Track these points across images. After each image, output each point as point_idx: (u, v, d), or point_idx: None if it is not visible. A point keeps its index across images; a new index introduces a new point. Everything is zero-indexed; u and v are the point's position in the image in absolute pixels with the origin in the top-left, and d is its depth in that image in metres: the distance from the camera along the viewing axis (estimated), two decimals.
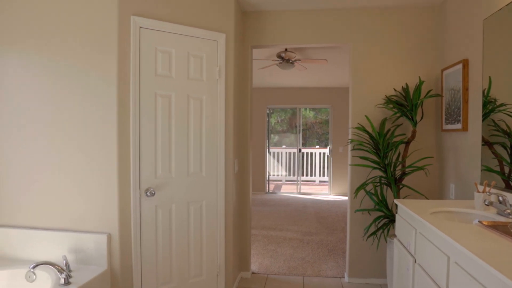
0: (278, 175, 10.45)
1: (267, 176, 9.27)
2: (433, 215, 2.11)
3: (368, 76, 3.54)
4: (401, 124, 3.43)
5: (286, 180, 10.37)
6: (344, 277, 3.74)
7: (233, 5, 3.13)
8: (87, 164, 2.53)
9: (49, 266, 2.30)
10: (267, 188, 9.27)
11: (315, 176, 10.40)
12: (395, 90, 3.48)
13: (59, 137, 2.56)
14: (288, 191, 9.39)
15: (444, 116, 3.23)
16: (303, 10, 3.62)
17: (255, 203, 7.71)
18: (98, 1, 2.48)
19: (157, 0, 2.68)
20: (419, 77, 3.29)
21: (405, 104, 3.28)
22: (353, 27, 3.57)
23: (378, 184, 3.28)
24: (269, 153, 9.81)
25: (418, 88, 3.18)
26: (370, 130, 3.43)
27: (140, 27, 2.60)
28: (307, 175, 10.29)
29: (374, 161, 3.25)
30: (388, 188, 3.43)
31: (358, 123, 3.50)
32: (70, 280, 2.29)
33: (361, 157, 3.32)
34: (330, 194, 8.89)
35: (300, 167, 9.56)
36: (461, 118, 2.90)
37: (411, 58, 3.49)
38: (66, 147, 2.56)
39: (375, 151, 3.26)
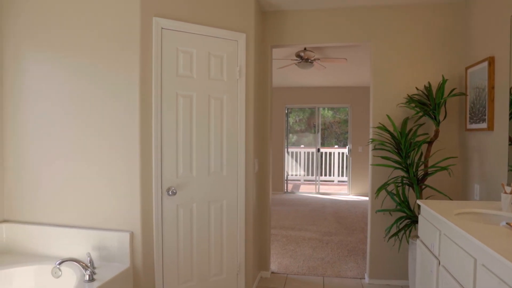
0: (296, 175, 10.42)
1: (285, 175, 9.25)
2: (458, 216, 2.07)
3: (389, 75, 3.50)
4: (424, 124, 3.37)
5: (305, 180, 10.33)
6: (364, 278, 3.70)
7: (253, 5, 3.14)
8: (110, 163, 2.58)
9: (74, 262, 2.35)
10: (285, 188, 9.25)
11: (333, 176, 10.33)
12: (417, 89, 3.42)
13: (82, 137, 2.62)
14: (307, 191, 9.35)
15: (468, 115, 3.16)
16: (322, 9, 3.60)
17: (274, 203, 7.70)
18: (120, 3, 2.52)
19: (178, 1, 2.71)
20: (443, 75, 3.22)
21: (428, 103, 3.22)
22: (374, 25, 3.52)
23: (400, 184, 3.23)
24: (288, 153, 9.78)
25: (441, 87, 3.12)
26: (391, 129, 3.38)
27: (162, 28, 2.63)
28: (325, 175, 10.22)
29: (395, 161, 3.21)
30: (410, 189, 3.38)
31: (379, 123, 3.46)
32: (94, 276, 2.33)
33: (383, 157, 3.28)
34: (349, 194, 8.81)
35: (319, 167, 9.51)
36: (486, 117, 2.83)
37: (433, 56, 3.43)
38: (90, 147, 2.61)
39: (396, 151, 3.22)
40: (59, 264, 2.30)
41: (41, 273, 2.52)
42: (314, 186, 9.41)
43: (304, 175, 10.35)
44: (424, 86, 3.38)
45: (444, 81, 3.11)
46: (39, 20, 2.65)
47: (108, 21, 2.54)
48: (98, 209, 2.62)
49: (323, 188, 9.42)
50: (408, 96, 3.39)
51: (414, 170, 3.13)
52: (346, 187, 9.21)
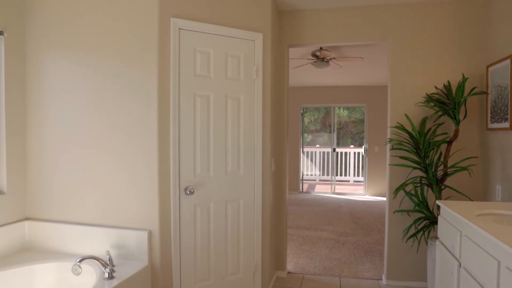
0: (311, 175, 10.37)
1: (300, 175, 9.22)
2: (480, 218, 2.03)
3: (407, 74, 3.45)
4: (443, 123, 3.32)
5: (320, 180, 10.28)
6: (382, 279, 3.67)
7: (270, 5, 3.14)
8: (129, 163, 2.61)
9: (94, 260, 2.39)
10: (301, 188, 9.22)
11: (349, 176, 10.25)
12: (436, 88, 3.37)
13: (102, 136, 2.66)
14: (322, 190, 9.30)
15: (489, 115, 3.10)
16: (339, 8, 3.58)
17: (289, 203, 7.68)
18: (139, 4, 2.55)
19: (196, 2, 2.73)
20: (463, 74, 3.17)
21: (447, 102, 3.17)
22: (392, 24, 3.48)
23: (419, 184, 3.19)
24: (303, 152, 9.74)
25: (461, 86, 3.07)
26: (410, 129, 3.34)
27: (180, 29, 2.65)
28: (341, 175, 10.15)
29: (414, 161, 3.17)
30: (429, 189, 3.33)
31: (397, 122, 3.42)
32: (114, 274, 2.36)
33: (401, 157, 3.24)
34: (365, 195, 8.73)
35: (335, 166, 9.45)
36: (508, 116, 2.77)
37: (453, 55, 3.37)
38: (109, 146, 2.65)
39: (415, 150, 3.18)
40: (80, 261, 2.34)
41: (62, 270, 2.56)
42: (329, 186, 9.36)
43: (320, 175, 10.30)
44: (444, 85, 3.33)
45: (465, 79, 3.06)
46: (61, 22, 2.70)
47: (127, 22, 2.57)
48: (117, 208, 2.66)
49: (339, 188, 9.36)
50: (427, 95, 3.34)
51: (433, 170, 3.08)
52: (362, 187, 9.14)
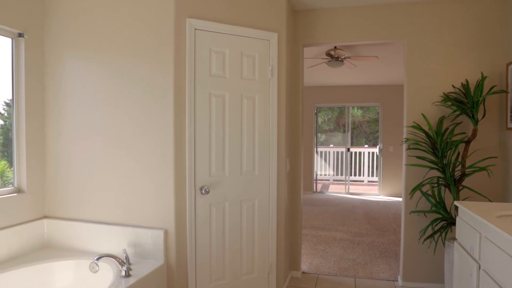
0: (325, 175, 10.32)
1: (314, 175, 9.18)
2: (500, 219, 1.99)
3: (424, 73, 3.41)
4: (461, 123, 3.26)
5: (334, 180, 10.21)
6: (397, 281, 3.63)
7: (285, 5, 3.13)
8: (145, 163, 2.64)
9: (111, 258, 2.43)
10: (314, 188, 9.18)
11: (363, 176, 10.16)
12: (453, 86, 3.32)
13: (119, 136, 2.69)
14: (336, 190, 9.25)
15: (509, 114, 3.04)
16: (354, 6, 3.55)
17: (303, 203, 7.62)
18: (155, 5, 2.58)
19: (211, 2, 2.74)
20: (482, 72, 3.11)
21: (465, 101, 3.12)
22: (408, 22, 3.44)
23: (436, 185, 3.14)
24: (316, 152, 9.70)
25: (480, 84, 3.02)
26: (426, 128, 3.29)
27: (195, 29, 2.66)
28: (355, 175, 10.07)
29: (431, 161, 3.13)
30: (446, 190, 3.28)
31: (414, 122, 3.38)
32: (130, 272, 2.39)
33: (418, 157, 3.20)
34: (379, 195, 8.65)
35: (349, 166, 9.38)
36: None
37: (471, 53, 3.31)
38: (126, 146, 2.68)
39: (432, 150, 3.13)
40: (97, 259, 2.37)
41: (80, 267, 2.61)
42: (343, 186, 9.30)
43: (333, 175, 10.23)
44: (461, 83, 3.27)
45: (483, 78, 3.01)
46: (78, 22, 2.75)
47: (143, 23, 2.60)
48: (134, 206, 2.69)
49: (353, 188, 9.29)
50: (444, 94, 3.30)
51: (450, 170, 3.04)
52: (376, 187, 9.05)
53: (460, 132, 3.27)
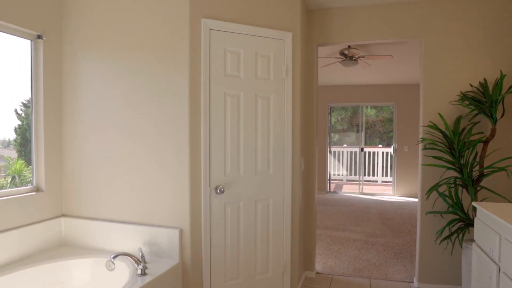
0: (338, 175, 10.26)
1: (327, 175, 9.13)
2: None
3: (440, 72, 3.36)
4: (479, 122, 3.21)
5: (347, 180, 10.14)
6: (413, 282, 3.59)
7: (299, 4, 3.12)
8: (161, 163, 2.66)
9: (127, 257, 2.45)
10: (328, 188, 9.14)
11: (377, 176, 10.07)
12: (471, 85, 3.27)
13: (135, 135, 2.72)
14: (349, 191, 9.18)
15: None
16: (369, 5, 3.52)
17: (317, 203, 7.62)
18: (171, 6, 2.59)
19: (226, 3, 2.74)
20: (501, 70, 3.05)
21: (483, 100, 3.07)
22: (424, 20, 3.40)
23: (453, 185, 3.10)
24: (330, 152, 9.65)
25: (498, 83, 2.96)
26: (443, 128, 3.24)
27: (210, 29, 2.67)
28: (369, 175, 9.99)
29: (448, 161, 3.08)
30: (463, 190, 3.23)
31: (430, 121, 3.34)
32: (146, 271, 2.41)
33: (434, 157, 3.16)
34: (394, 195, 8.56)
35: (362, 166, 9.31)
36: None
37: (489, 51, 3.25)
38: (142, 145, 2.70)
39: (449, 150, 3.09)
40: (113, 257, 2.39)
41: (97, 265, 2.64)
42: (357, 186, 9.23)
43: (347, 175, 10.16)
44: (479, 82, 3.22)
45: (502, 76, 2.95)
46: (95, 23, 2.78)
47: (159, 23, 2.62)
48: (150, 206, 2.71)
49: (367, 188, 9.22)
50: (461, 93, 3.25)
51: (468, 170, 2.99)
52: (390, 187, 8.96)
53: (478, 131, 3.22)
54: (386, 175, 9.99)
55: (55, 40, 2.83)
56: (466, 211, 3.11)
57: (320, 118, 8.83)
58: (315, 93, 3.66)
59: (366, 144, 10.19)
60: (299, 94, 3.13)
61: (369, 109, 10.86)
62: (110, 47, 2.75)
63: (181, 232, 2.63)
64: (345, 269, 3.96)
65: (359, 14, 3.56)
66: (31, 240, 2.65)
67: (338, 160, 10.24)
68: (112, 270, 2.45)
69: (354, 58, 5.62)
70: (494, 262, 2.03)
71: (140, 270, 2.38)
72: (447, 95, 3.34)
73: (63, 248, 2.83)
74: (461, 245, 3.07)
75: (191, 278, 2.66)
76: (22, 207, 2.61)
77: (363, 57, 5.63)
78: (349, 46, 5.33)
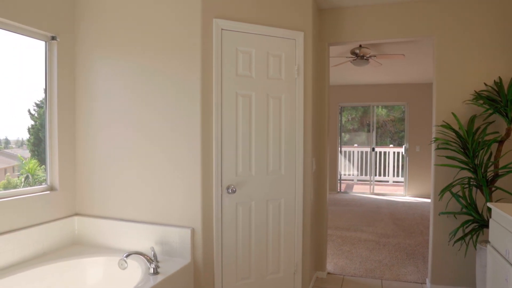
0: (349, 175, 10.20)
1: (338, 175, 9.09)
2: None
3: (454, 71, 3.32)
4: (494, 122, 3.16)
5: (358, 180, 10.08)
6: (425, 283, 3.55)
7: (311, 3, 3.11)
8: (173, 163, 2.67)
9: (140, 256, 2.46)
10: (338, 188, 9.09)
11: (388, 176, 10.00)
12: (485, 84, 3.22)
13: (148, 134, 2.73)
14: (360, 191, 9.13)
15: None
16: (381, 4, 3.49)
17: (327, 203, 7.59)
18: (182, 6, 2.61)
19: (237, 2, 2.75)
20: None
21: (498, 99, 3.02)
22: (437, 19, 3.36)
23: (467, 186, 3.06)
24: (340, 152, 9.60)
25: None
26: (457, 128, 3.20)
27: (222, 29, 2.68)
28: (380, 175, 9.92)
29: (461, 161, 3.04)
30: (478, 191, 3.18)
31: (443, 121, 3.30)
32: (158, 270, 2.42)
33: (448, 157, 3.12)
34: (405, 195, 8.49)
35: (373, 166, 9.24)
36: None
37: (504, 49, 3.19)
38: (154, 145, 2.72)
39: (463, 150, 3.05)
40: (126, 256, 2.41)
41: (109, 264, 2.66)
42: (368, 186, 9.17)
43: (358, 175, 10.10)
44: (494, 81, 3.17)
45: None
46: (108, 24, 2.80)
47: (171, 23, 2.64)
48: (162, 205, 2.72)
49: (378, 189, 9.15)
50: (476, 92, 3.20)
51: (482, 171, 2.95)
52: (402, 187, 8.88)
53: (492, 131, 3.17)
54: (397, 175, 9.91)
55: (69, 41, 2.86)
56: (480, 212, 3.07)
57: (330, 118, 8.78)
58: (327, 92, 3.64)
59: (377, 144, 10.12)
60: (311, 93, 3.12)
61: (380, 109, 10.79)
62: (122, 47, 2.77)
63: (193, 232, 2.64)
64: (357, 269, 3.93)
65: (371, 12, 3.53)
66: (46, 238, 2.68)
67: (349, 160, 10.19)
68: (124, 268, 2.47)
69: (365, 58, 5.58)
70: (510, 264, 1.99)
71: (152, 269, 2.40)
72: (460, 94, 3.29)
73: (76, 247, 2.86)
74: (475, 246, 3.03)
75: (202, 277, 2.67)
76: (36, 206, 2.65)
77: (375, 56, 5.59)
78: (360, 45, 5.29)
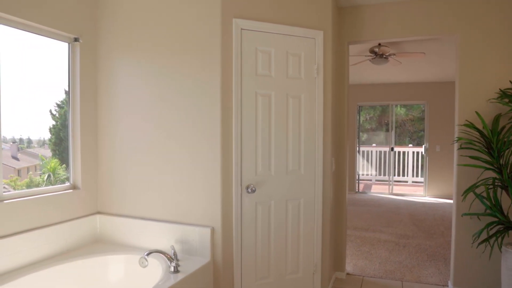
0: (367, 175, 10.09)
1: (356, 175, 9.00)
2: None
3: (478, 69, 3.24)
4: None
5: (376, 180, 9.96)
6: (447, 286, 3.49)
7: (330, 2, 3.08)
8: (193, 162, 2.69)
9: (160, 254, 2.49)
10: (357, 188, 9.01)
11: (407, 176, 9.85)
12: (511, 82, 3.14)
13: (168, 134, 2.76)
14: (379, 191, 9.02)
15: None
16: (401, 1, 3.43)
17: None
18: (202, 7, 2.62)
19: (257, 2, 2.75)
20: None
21: None
22: (461, 16, 3.28)
23: (491, 186, 2.98)
24: (358, 152, 9.50)
25: None
26: (480, 127, 3.13)
27: (241, 29, 2.68)
28: (399, 175, 9.77)
29: (486, 161, 2.97)
30: (503, 191, 3.10)
31: (466, 120, 3.23)
32: (179, 268, 2.44)
33: (471, 157, 3.05)
34: (425, 196, 8.34)
35: (392, 166, 9.12)
36: None
37: None
38: (174, 144, 2.74)
39: (487, 150, 2.98)
40: (147, 255, 2.43)
41: (130, 262, 2.70)
42: (386, 187, 9.05)
43: (376, 175, 9.98)
44: None
45: None
46: (129, 26, 2.84)
47: (191, 24, 2.66)
48: (182, 204, 2.75)
49: (396, 189, 9.02)
50: (501, 90, 3.12)
51: (508, 171, 2.87)
52: (421, 188, 8.73)
53: None
54: (417, 176, 9.76)
55: (91, 42, 2.91)
56: (506, 213, 2.99)
57: (349, 117, 8.70)
58: (346, 92, 3.61)
59: (395, 144, 9.99)
60: (331, 93, 3.09)
61: (398, 108, 10.64)
62: (143, 48, 2.80)
63: (213, 231, 2.65)
64: (376, 270, 3.89)
65: (391, 10, 3.48)
66: (69, 236, 2.74)
67: (367, 160, 10.08)
68: (145, 267, 2.50)
69: (384, 56, 5.51)
70: None
71: (172, 267, 2.42)
72: (484, 92, 3.22)
73: (98, 245, 2.91)
74: (500, 248, 2.96)
75: (222, 276, 2.68)
76: (60, 204, 2.71)
77: (394, 54, 5.52)
78: (379, 44, 5.23)
